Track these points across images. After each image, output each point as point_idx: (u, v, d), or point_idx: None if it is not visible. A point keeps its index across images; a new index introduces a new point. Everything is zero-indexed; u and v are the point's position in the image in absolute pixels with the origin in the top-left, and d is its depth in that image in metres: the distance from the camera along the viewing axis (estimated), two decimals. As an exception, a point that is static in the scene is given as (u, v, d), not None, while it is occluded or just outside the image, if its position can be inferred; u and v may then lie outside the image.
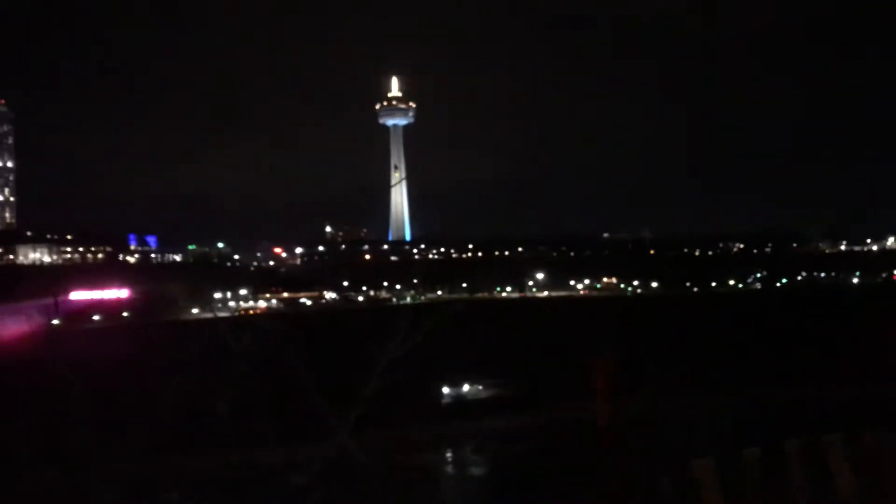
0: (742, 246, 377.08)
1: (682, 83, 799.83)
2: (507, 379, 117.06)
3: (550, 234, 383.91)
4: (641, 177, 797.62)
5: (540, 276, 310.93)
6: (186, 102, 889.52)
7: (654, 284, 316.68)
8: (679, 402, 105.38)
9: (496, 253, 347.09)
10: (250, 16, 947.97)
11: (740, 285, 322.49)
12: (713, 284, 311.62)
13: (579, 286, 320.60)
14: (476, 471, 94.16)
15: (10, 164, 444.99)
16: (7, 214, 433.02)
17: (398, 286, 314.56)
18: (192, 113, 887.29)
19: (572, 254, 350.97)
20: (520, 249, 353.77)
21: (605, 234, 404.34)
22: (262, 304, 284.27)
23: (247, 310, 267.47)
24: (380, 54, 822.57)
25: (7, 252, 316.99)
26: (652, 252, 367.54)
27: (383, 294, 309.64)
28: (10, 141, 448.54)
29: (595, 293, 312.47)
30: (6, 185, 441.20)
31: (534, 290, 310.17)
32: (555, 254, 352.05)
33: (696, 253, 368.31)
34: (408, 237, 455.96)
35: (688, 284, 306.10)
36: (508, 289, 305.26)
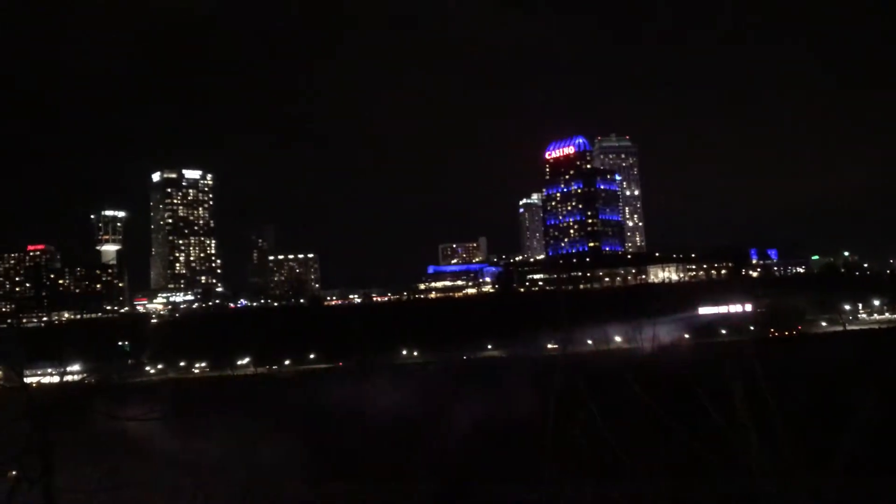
0: None
1: None
2: None
3: None
4: None
5: None
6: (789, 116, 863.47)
7: None
8: None
9: None
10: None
11: None
12: None
13: None
14: None
15: (636, 193, 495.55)
16: (637, 238, 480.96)
17: None
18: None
19: None
20: None
21: None
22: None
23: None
24: None
25: (639, 272, 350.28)
26: None
27: None
28: (636, 171, 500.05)
29: None
30: (635, 212, 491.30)
31: None
32: None
33: None
34: None
35: None
36: None
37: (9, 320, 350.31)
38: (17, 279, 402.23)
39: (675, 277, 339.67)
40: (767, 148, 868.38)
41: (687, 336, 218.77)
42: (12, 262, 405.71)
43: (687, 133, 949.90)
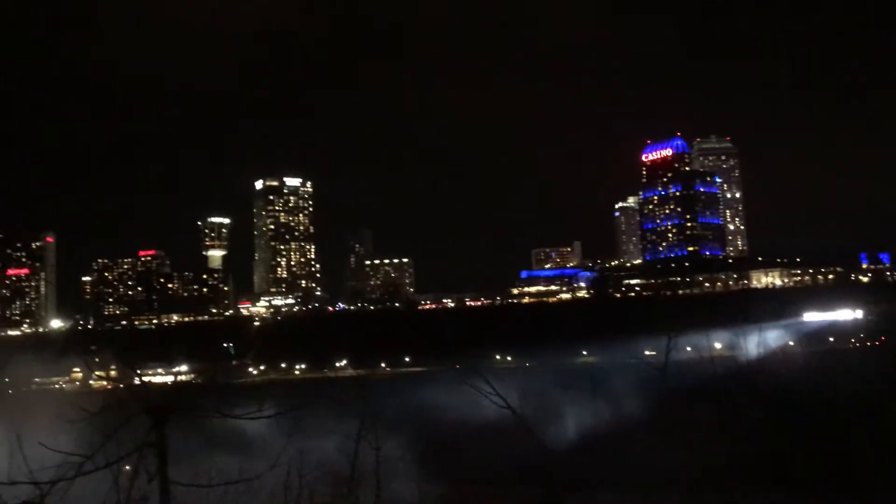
0: None
1: None
2: None
3: None
4: None
5: None
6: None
7: None
8: None
9: None
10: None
11: None
12: None
13: None
14: None
15: (738, 195, 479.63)
16: (739, 242, 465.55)
17: None
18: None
19: None
20: None
21: None
22: None
23: None
24: None
25: (741, 277, 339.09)
26: None
27: None
28: (737, 174, 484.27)
29: None
30: (736, 216, 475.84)
31: None
32: None
33: None
34: None
35: None
36: None
37: (123, 322, 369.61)
38: (129, 283, 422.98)
39: (779, 282, 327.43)
40: (878, 147, 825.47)
41: (792, 343, 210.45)
42: (125, 267, 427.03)
43: (793, 134, 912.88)
